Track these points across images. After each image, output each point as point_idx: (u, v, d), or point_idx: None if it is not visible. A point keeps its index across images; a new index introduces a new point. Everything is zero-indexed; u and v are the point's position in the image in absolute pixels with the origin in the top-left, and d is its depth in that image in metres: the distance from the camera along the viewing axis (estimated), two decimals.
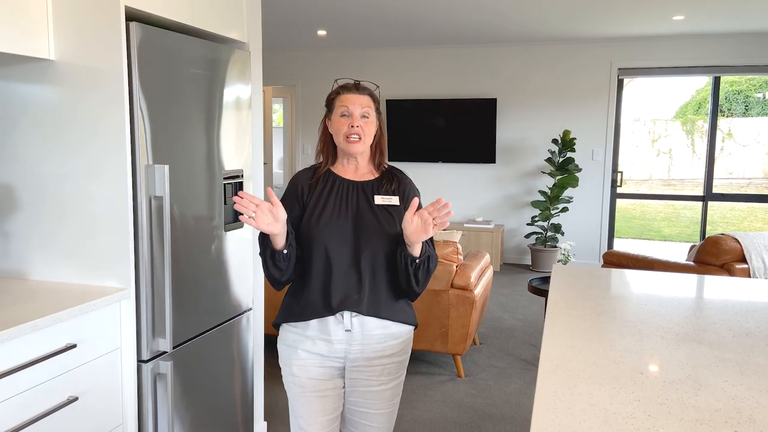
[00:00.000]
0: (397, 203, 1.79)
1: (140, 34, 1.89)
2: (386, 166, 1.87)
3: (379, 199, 1.77)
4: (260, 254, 1.73)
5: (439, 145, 6.99)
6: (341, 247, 1.71)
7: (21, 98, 1.97)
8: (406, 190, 1.83)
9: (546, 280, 4.24)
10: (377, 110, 1.81)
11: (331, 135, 1.81)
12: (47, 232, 2.00)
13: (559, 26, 5.71)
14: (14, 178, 2.02)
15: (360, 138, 1.74)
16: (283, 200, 1.77)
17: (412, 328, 1.85)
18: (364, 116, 1.75)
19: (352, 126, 1.73)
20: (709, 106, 6.44)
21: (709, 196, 6.45)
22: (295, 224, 1.77)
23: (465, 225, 6.69)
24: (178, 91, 2.09)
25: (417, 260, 1.68)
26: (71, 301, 1.79)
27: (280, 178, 9.77)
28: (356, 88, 1.77)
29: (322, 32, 6.15)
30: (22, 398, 1.61)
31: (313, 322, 1.74)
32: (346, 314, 1.72)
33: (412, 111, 6.97)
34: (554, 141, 6.41)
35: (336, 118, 1.76)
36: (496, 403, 3.26)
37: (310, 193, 1.79)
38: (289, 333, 1.79)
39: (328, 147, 1.84)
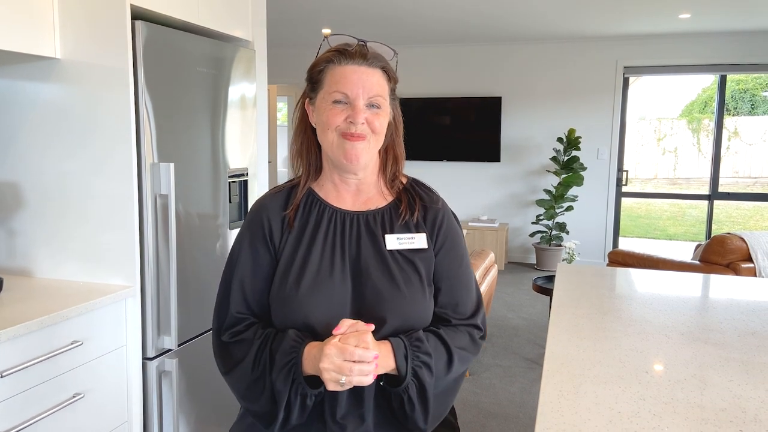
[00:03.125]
0: (424, 245, 1.13)
1: (146, 33, 1.90)
2: (404, 183, 1.21)
3: (393, 242, 1.12)
4: (270, 393, 1.07)
5: (443, 144, 6.98)
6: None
7: (27, 97, 1.98)
8: (437, 221, 1.16)
9: (551, 278, 4.24)
10: (393, 93, 1.15)
11: (314, 129, 1.15)
12: (52, 230, 2.01)
13: (564, 25, 5.69)
14: (20, 176, 2.03)
15: (365, 138, 1.08)
16: (239, 242, 1.18)
17: None
18: (373, 105, 1.09)
19: (352, 122, 1.07)
20: (715, 104, 6.41)
21: (714, 195, 6.42)
22: (261, 282, 1.15)
23: (469, 224, 6.68)
24: (184, 90, 2.09)
25: (385, 386, 1.09)
26: (77, 298, 1.80)
27: (285, 176, 9.77)
28: (362, 56, 1.09)
29: (326, 30, 6.15)
30: (28, 395, 1.62)
31: None
32: None
33: (417, 109, 6.97)
34: (559, 139, 6.40)
35: (324, 106, 1.09)
36: (501, 402, 3.26)
37: (284, 234, 1.14)
38: None
39: (310, 150, 1.17)
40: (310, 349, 1.05)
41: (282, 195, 1.18)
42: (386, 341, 1.07)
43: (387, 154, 1.19)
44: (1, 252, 2.08)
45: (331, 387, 1.02)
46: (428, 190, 1.22)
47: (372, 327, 1.04)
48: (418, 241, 1.13)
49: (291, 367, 1.05)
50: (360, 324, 1.04)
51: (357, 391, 1.10)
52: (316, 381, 1.05)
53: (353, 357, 0.99)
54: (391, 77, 1.14)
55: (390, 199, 1.18)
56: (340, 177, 1.16)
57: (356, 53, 1.09)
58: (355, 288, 1.10)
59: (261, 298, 1.15)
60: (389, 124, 1.16)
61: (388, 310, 1.08)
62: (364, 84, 1.07)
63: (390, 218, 1.15)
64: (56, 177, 1.99)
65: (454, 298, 1.18)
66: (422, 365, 1.07)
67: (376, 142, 1.12)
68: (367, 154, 1.10)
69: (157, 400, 2.03)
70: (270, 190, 1.24)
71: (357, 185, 1.17)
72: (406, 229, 1.14)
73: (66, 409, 1.73)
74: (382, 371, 1.06)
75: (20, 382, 1.59)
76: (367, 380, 1.02)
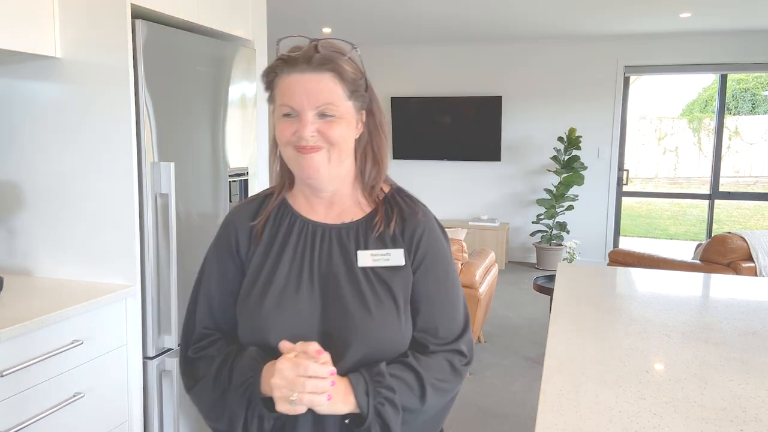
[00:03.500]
0: (400, 262, 1.03)
1: (146, 32, 1.90)
2: (384, 193, 1.10)
3: (367, 258, 1.02)
4: (228, 409, 0.99)
5: (444, 143, 6.98)
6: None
7: (27, 96, 1.98)
8: (416, 235, 1.06)
9: (551, 278, 4.24)
10: (355, 93, 1.02)
11: None
12: (53, 230, 2.01)
13: (565, 24, 5.69)
14: (20, 176, 2.03)
15: (320, 149, 0.99)
16: (208, 255, 1.12)
17: None
18: (325, 114, 0.98)
19: (301, 136, 0.97)
20: (715, 103, 6.41)
21: (715, 194, 6.41)
22: (228, 296, 1.08)
23: (470, 223, 6.67)
24: (184, 89, 2.09)
25: (350, 426, 0.98)
26: (77, 298, 1.80)
27: None
28: (306, 60, 0.97)
29: (327, 30, 6.14)
30: (29, 394, 1.62)
31: None
32: None
33: (418, 108, 6.96)
34: (560, 139, 6.39)
35: (276, 120, 1.02)
36: (501, 402, 3.26)
37: (251, 245, 1.07)
38: None
39: (283, 159, 1.09)
40: (269, 367, 0.97)
41: (254, 205, 1.11)
42: (344, 377, 0.97)
43: (365, 158, 1.07)
44: (1, 252, 2.08)
45: (280, 407, 0.92)
46: (411, 201, 1.10)
47: (322, 354, 0.95)
48: (395, 257, 1.03)
49: (247, 387, 0.98)
50: (311, 346, 0.94)
51: (319, 423, 1.01)
52: None
53: (307, 372, 0.91)
54: (346, 78, 0.99)
55: (368, 210, 1.07)
56: (310, 189, 1.08)
57: (300, 59, 0.97)
58: (324, 307, 1.01)
59: (227, 312, 1.08)
60: (364, 125, 1.06)
61: (355, 334, 0.98)
62: (309, 94, 0.97)
63: (365, 232, 1.05)
64: (56, 176, 1.99)
65: (433, 322, 1.06)
66: (385, 401, 0.96)
67: (338, 152, 1.00)
68: (327, 166, 1.00)
69: (158, 399, 2.03)
70: (245, 199, 1.17)
71: (330, 197, 1.08)
72: (382, 243, 1.04)
73: (66, 409, 1.73)
74: (343, 410, 0.96)
75: (20, 382, 1.59)
76: (320, 400, 0.92)
